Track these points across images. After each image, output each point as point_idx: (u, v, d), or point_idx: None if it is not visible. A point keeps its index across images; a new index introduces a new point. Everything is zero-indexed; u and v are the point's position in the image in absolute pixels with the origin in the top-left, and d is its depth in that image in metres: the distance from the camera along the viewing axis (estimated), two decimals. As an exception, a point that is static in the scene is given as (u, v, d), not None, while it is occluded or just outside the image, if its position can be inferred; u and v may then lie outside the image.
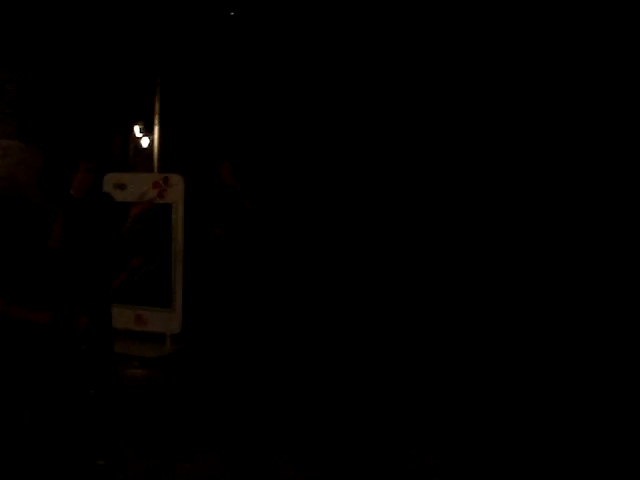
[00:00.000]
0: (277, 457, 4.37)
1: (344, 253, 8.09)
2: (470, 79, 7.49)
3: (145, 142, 9.12)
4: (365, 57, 8.07)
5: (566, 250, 7.07)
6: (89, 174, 4.39)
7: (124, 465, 4.13)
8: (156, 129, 8.84)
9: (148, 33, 8.27)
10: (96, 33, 7.97)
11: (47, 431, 3.30)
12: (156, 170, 8.66)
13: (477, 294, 7.15)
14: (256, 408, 5.21)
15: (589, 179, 7.05)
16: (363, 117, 8.18)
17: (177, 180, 6.98)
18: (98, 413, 4.04)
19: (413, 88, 7.89)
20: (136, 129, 9.12)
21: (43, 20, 7.57)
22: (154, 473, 4.19)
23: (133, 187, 6.70)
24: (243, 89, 8.74)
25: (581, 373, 5.72)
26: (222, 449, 4.48)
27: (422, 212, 7.78)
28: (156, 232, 6.94)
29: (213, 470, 4.23)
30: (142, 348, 6.67)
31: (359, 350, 6.74)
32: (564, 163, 7.12)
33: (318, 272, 8.08)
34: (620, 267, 6.84)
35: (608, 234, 6.93)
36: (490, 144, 7.44)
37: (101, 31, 7.98)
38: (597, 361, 5.93)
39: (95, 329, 4.19)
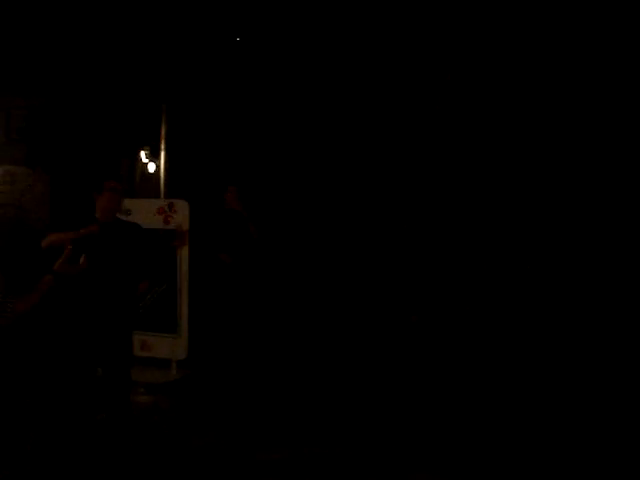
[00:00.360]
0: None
1: (351, 277, 8.06)
2: (480, 84, 7.47)
3: (151, 167, 9.15)
4: (371, 80, 8.10)
5: (580, 269, 7.02)
6: (114, 194, 4.27)
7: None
8: (162, 154, 8.88)
9: (154, 59, 8.34)
10: (102, 59, 8.04)
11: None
12: (162, 196, 8.69)
13: (488, 316, 7.10)
14: (263, 437, 5.17)
15: (598, 183, 7.02)
16: (368, 143, 8.20)
17: (182, 206, 6.99)
18: (106, 437, 4.01)
19: (422, 106, 7.89)
20: (142, 154, 9.15)
21: (49, 47, 7.64)
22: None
23: (138, 213, 6.72)
24: (249, 114, 8.78)
25: (600, 392, 5.68)
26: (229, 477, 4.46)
27: (430, 231, 7.74)
28: (162, 257, 6.94)
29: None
30: (148, 374, 6.64)
31: (367, 376, 6.70)
32: (577, 175, 7.08)
33: (325, 296, 8.05)
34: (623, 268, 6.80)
35: (613, 236, 6.90)
36: (500, 161, 7.42)
37: (107, 57, 8.05)
38: (611, 373, 5.90)
39: (115, 354, 4.18)
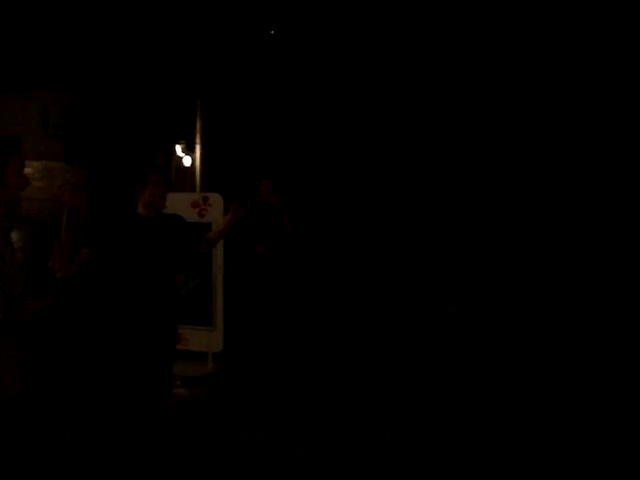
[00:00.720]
0: None
1: (386, 269, 8.00)
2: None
3: (187, 161, 9.20)
4: (406, 73, 8.02)
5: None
6: (158, 187, 4.17)
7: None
8: (198, 148, 8.92)
9: (189, 53, 8.37)
10: (138, 54, 8.09)
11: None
12: (198, 189, 8.73)
13: (526, 308, 6.98)
14: (299, 430, 5.15)
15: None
16: (405, 135, 8.12)
17: (216, 199, 7.00)
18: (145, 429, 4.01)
19: (453, 102, 7.81)
20: (178, 148, 9.20)
21: (85, 43, 7.71)
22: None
23: (172, 206, 6.73)
24: (283, 107, 8.76)
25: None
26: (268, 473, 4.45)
27: (466, 221, 7.63)
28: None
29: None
30: (184, 367, 6.69)
31: (402, 368, 6.65)
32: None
33: (359, 288, 8.01)
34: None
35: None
36: (533, 152, 7.30)
37: (143, 52, 8.09)
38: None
39: (159, 348, 4.16)
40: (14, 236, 2.95)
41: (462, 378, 6.26)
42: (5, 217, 2.79)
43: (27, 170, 3.05)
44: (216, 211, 6.96)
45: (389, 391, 6.04)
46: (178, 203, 6.91)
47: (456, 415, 5.37)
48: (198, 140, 8.89)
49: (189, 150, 9.12)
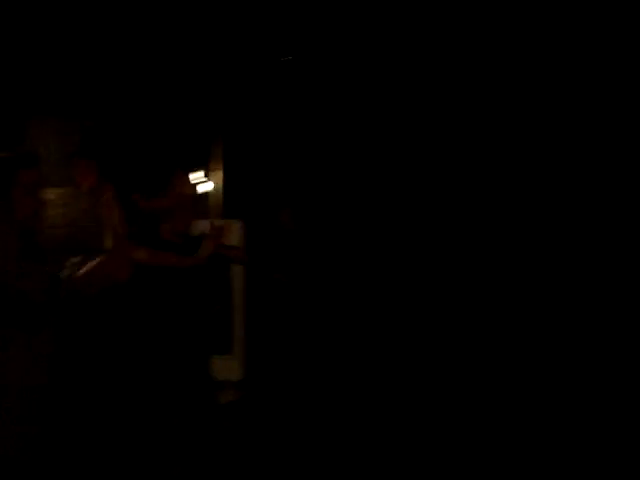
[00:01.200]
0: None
1: (411, 297, 7.88)
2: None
3: (208, 187, 9.21)
4: (425, 95, 7.99)
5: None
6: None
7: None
8: (219, 174, 8.91)
9: (209, 80, 8.40)
10: (158, 77, 8.13)
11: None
12: (219, 216, 8.70)
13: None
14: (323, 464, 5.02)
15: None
16: (422, 165, 8.08)
17: (236, 226, 6.95)
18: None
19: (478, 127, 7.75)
20: (199, 174, 9.23)
21: (104, 67, 7.76)
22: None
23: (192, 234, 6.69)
24: (306, 133, 8.76)
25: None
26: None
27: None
28: (215, 277, 6.89)
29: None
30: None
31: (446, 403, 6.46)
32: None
33: (387, 313, 7.89)
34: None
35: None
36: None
37: (163, 75, 8.13)
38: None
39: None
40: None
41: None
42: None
43: (50, 196, 2.98)
44: (236, 237, 6.90)
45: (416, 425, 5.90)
46: (198, 230, 6.87)
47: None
48: (220, 166, 8.89)
49: (210, 176, 9.13)
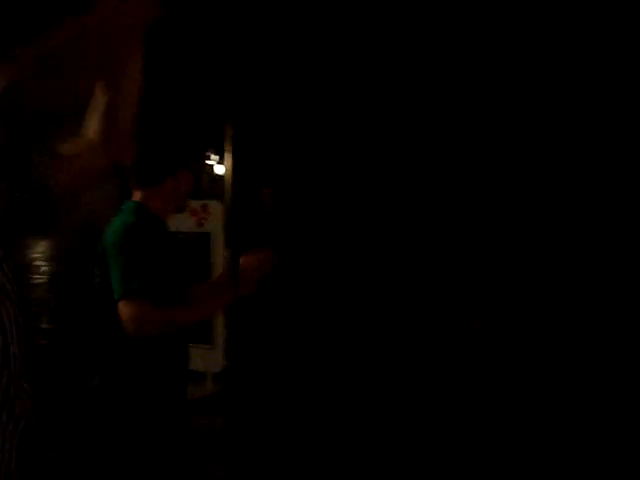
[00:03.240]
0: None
1: (408, 281, 7.69)
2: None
3: (219, 169, 9.01)
4: (430, 89, 7.87)
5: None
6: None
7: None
8: (229, 156, 8.70)
9: (221, 64, 8.21)
10: (170, 62, 7.87)
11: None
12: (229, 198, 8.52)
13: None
14: (306, 458, 4.74)
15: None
16: (426, 153, 7.94)
17: (216, 207, 6.62)
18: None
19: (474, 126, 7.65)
20: (210, 157, 9.06)
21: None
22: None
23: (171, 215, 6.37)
24: (315, 116, 8.60)
25: None
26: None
27: (495, 231, 7.39)
28: (194, 263, 6.55)
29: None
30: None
31: (423, 388, 6.25)
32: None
33: (377, 300, 7.66)
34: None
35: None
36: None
37: (174, 61, 7.90)
38: None
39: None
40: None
41: (486, 391, 5.94)
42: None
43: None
44: (216, 219, 6.57)
45: (403, 406, 5.66)
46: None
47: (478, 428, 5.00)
48: (229, 148, 8.69)
49: (221, 159, 9.00)
